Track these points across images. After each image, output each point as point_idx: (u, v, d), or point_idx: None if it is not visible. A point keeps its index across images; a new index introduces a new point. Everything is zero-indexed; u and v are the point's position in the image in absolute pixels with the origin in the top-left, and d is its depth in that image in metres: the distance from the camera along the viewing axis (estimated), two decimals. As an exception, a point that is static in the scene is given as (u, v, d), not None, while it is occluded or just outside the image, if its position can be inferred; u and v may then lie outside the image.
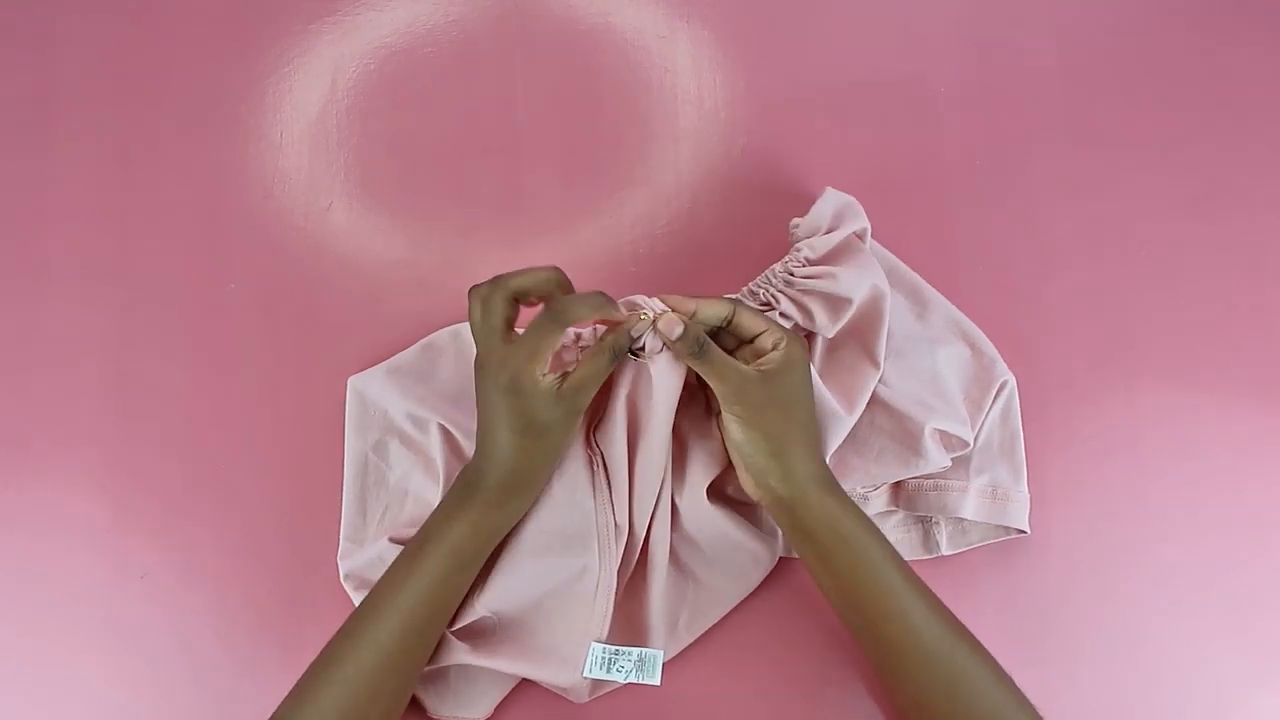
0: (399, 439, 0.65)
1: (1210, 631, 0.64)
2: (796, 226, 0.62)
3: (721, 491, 0.63)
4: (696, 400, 0.62)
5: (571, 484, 0.60)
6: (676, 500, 0.61)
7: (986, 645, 0.56)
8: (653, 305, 0.57)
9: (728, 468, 0.61)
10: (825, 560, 0.57)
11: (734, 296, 0.60)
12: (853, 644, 0.62)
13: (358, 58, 0.73)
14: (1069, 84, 0.73)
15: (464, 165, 0.72)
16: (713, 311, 0.57)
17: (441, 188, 0.71)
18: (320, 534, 0.65)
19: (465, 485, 0.57)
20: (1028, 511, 0.63)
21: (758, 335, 0.57)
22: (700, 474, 0.61)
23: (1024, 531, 0.63)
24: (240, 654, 0.64)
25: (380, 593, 0.55)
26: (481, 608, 0.59)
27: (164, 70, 0.73)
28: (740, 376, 0.56)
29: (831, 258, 0.60)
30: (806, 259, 0.60)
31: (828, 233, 0.61)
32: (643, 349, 0.58)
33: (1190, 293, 0.69)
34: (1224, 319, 0.69)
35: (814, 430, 0.58)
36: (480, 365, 0.56)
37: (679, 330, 0.56)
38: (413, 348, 0.66)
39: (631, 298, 0.58)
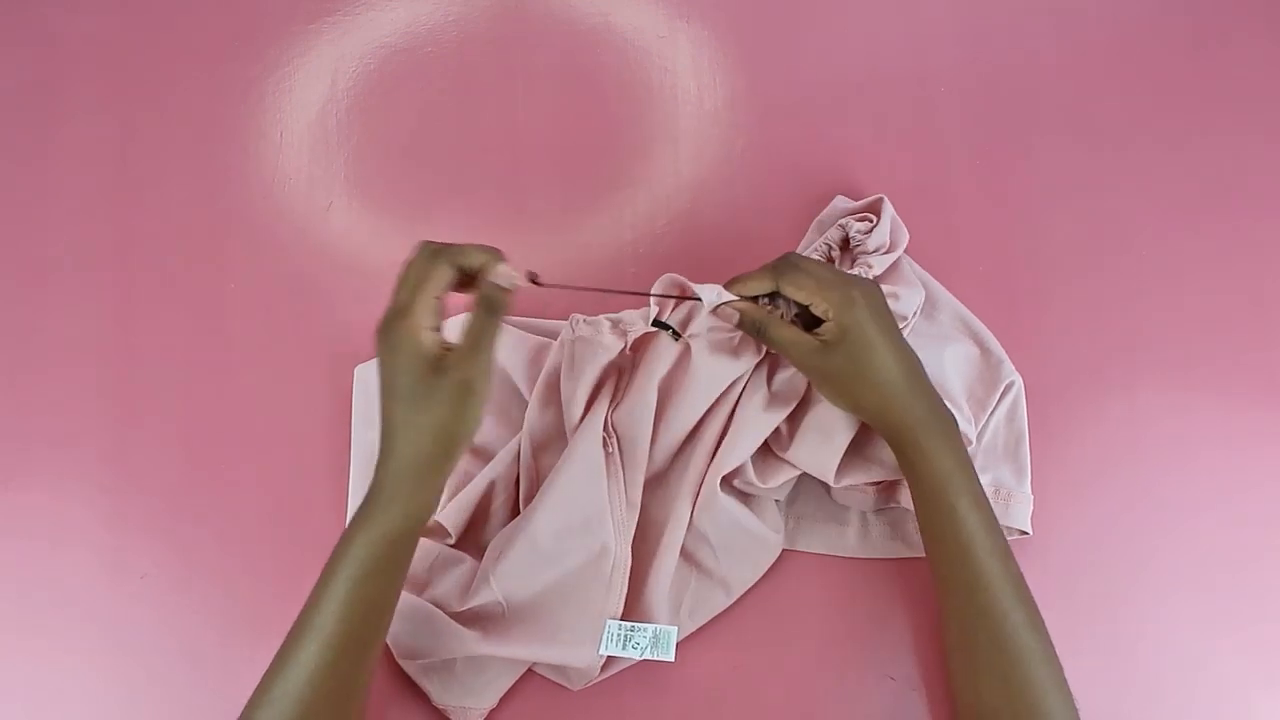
0: None
1: (1210, 631, 0.64)
2: (865, 235, 0.63)
3: (729, 483, 0.63)
4: (747, 388, 0.62)
5: (584, 464, 0.60)
6: (704, 486, 0.61)
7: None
8: (683, 284, 0.59)
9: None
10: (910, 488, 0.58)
11: (787, 258, 0.59)
12: (858, 630, 0.64)
13: (358, 57, 0.73)
14: (1069, 83, 0.73)
15: (464, 165, 0.72)
16: (754, 288, 0.59)
17: (441, 188, 0.71)
18: (320, 534, 0.64)
19: (369, 489, 0.53)
20: (1030, 513, 0.63)
21: (808, 305, 0.57)
22: (724, 464, 0.61)
23: (1025, 532, 0.63)
24: (239, 655, 0.63)
25: (302, 612, 0.53)
26: (496, 587, 0.59)
27: (164, 70, 0.73)
28: (800, 351, 0.58)
29: (886, 276, 0.63)
30: (873, 276, 0.62)
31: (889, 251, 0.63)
32: (672, 329, 0.60)
33: (1192, 292, 0.69)
34: (1225, 318, 0.69)
35: (894, 376, 0.56)
36: (382, 328, 0.52)
37: (736, 317, 0.59)
38: None
39: (670, 276, 0.60)
